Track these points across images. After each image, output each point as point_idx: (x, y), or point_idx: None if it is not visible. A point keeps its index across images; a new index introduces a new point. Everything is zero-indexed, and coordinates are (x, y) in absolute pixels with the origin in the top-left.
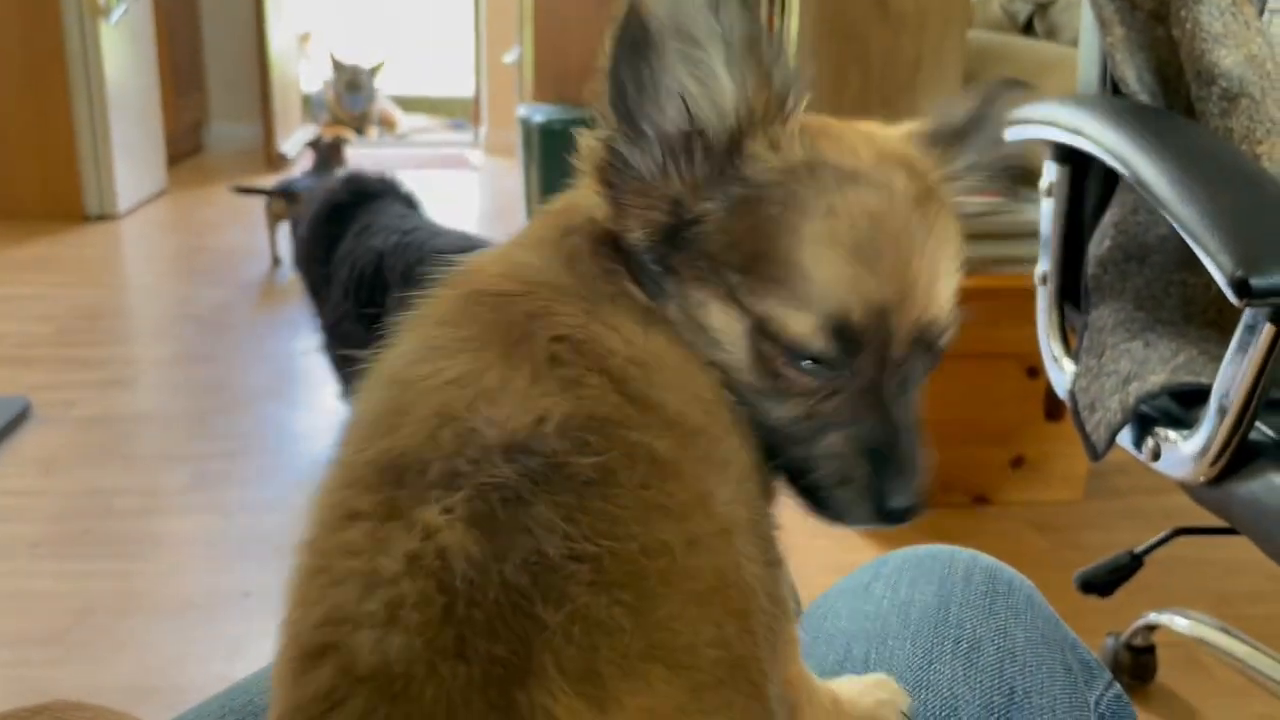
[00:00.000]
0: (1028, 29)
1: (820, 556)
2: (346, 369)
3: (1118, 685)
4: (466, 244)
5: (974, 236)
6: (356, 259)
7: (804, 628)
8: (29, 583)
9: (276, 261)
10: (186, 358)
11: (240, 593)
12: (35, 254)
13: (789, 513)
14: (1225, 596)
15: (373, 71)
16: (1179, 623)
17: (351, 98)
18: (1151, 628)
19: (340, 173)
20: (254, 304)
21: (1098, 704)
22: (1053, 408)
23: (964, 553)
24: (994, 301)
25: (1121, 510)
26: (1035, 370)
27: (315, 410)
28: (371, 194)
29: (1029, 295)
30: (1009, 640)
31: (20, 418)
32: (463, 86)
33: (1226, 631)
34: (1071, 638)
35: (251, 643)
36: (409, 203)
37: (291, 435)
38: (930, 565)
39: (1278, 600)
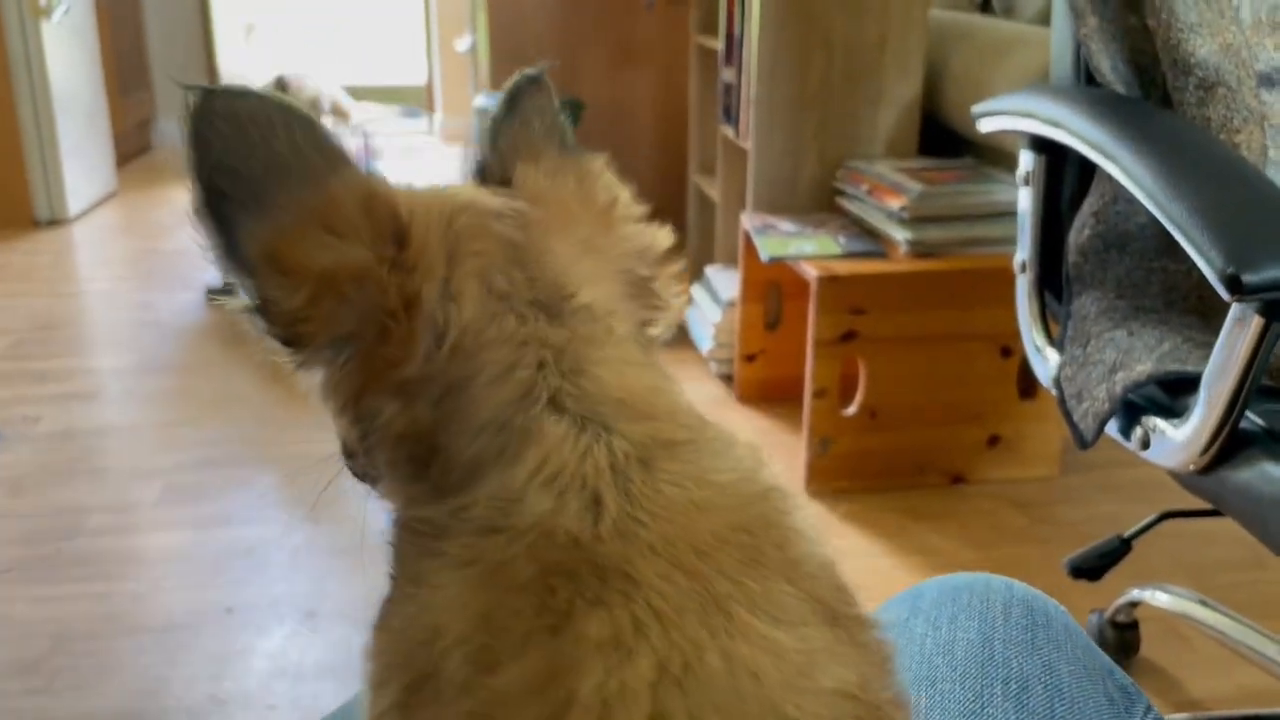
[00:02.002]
0: (985, 8)
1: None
2: None
3: (1155, 710)
4: None
5: (944, 218)
6: None
7: None
8: (2, 608)
9: None
10: (149, 367)
11: (222, 609)
12: None
13: None
14: (1202, 568)
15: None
16: (1160, 598)
17: None
18: (1134, 604)
19: None
20: (214, 308)
21: None
22: (1027, 386)
23: (998, 581)
24: (966, 282)
25: (1097, 485)
26: (1009, 350)
27: (285, 418)
28: None
29: (1000, 276)
30: (1055, 677)
31: None
32: (414, 75)
33: (1206, 604)
34: (1107, 663)
35: (237, 660)
36: None
37: (262, 443)
38: (968, 599)
39: (1251, 570)
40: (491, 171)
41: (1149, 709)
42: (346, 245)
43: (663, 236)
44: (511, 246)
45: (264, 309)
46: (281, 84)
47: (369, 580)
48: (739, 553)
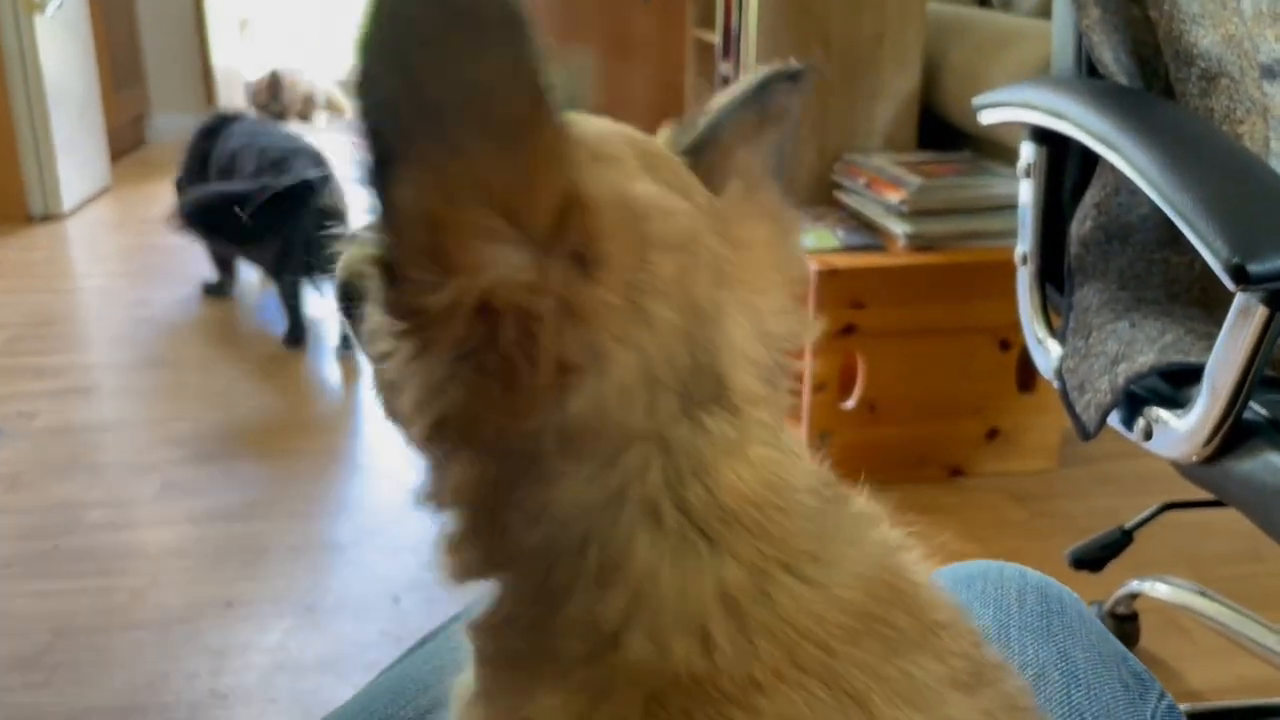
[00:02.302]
0: (983, 1)
1: None
2: (219, 253)
3: (1169, 696)
4: (289, 142)
5: (943, 211)
6: (219, 160)
7: None
8: (1, 604)
9: None
10: (145, 362)
11: (222, 603)
12: None
13: None
14: (1200, 561)
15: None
16: (1160, 589)
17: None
18: (1134, 595)
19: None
20: (209, 303)
21: (1153, 717)
22: (1026, 379)
23: (1011, 568)
24: (965, 276)
25: (1095, 477)
26: (1008, 343)
27: (282, 412)
28: (231, 119)
29: (999, 269)
30: (1070, 663)
31: None
32: None
33: (1206, 595)
34: (1121, 650)
35: (236, 655)
36: (259, 121)
37: (259, 437)
38: (982, 586)
39: (1249, 562)
40: (702, 158)
41: (1163, 695)
42: (524, 249)
43: (814, 328)
44: (693, 318)
45: (395, 279)
46: (276, 79)
47: (368, 575)
48: (871, 640)
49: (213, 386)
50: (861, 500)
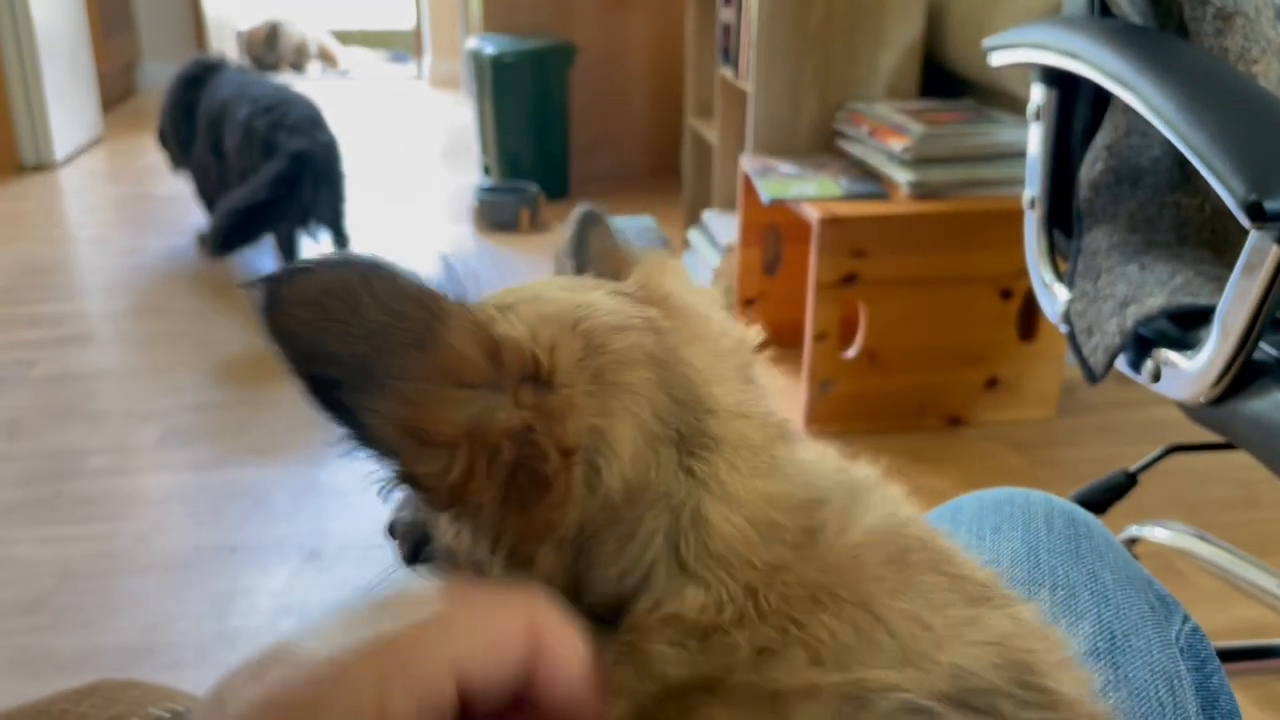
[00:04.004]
0: None
1: None
2: (211, 199)
3: (1193, 619)
4: (280, 93)
5: (946, 159)
6: (209, 110)
7: None
8: (5, 549)
9: None
10: (142, 310)
11: (226, 548)
12: None
13: None
14: (1198, 507)
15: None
16: (1159, 533)
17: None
18: (1133, 540)
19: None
20: (204, 252)
21: (1178, 638)
22: (1026, 328)
23: (1036, 494)
24: (967, 224)
25: (1094, 426)
26: (1009, 292)
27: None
28: (213, 66)
29: (1002, 218)
30: (1099, 584)
31: None
32: (403, 19)
33: (1204, 539)
34: (1146, 574)
35: (242, 598)
36: (245, 70)
37: (258, 385)
38: (1009, 510)
39: (1246, 509)
40: (592, 274)
41: (1186, 618)
42: (485, 394)
43: (753, 331)
44: (657, 367)
45: (418, 484)
46: (274, 28)
47: (370, 520)
48: (887, 567)
49: (210, 334)
50: (864, 486)
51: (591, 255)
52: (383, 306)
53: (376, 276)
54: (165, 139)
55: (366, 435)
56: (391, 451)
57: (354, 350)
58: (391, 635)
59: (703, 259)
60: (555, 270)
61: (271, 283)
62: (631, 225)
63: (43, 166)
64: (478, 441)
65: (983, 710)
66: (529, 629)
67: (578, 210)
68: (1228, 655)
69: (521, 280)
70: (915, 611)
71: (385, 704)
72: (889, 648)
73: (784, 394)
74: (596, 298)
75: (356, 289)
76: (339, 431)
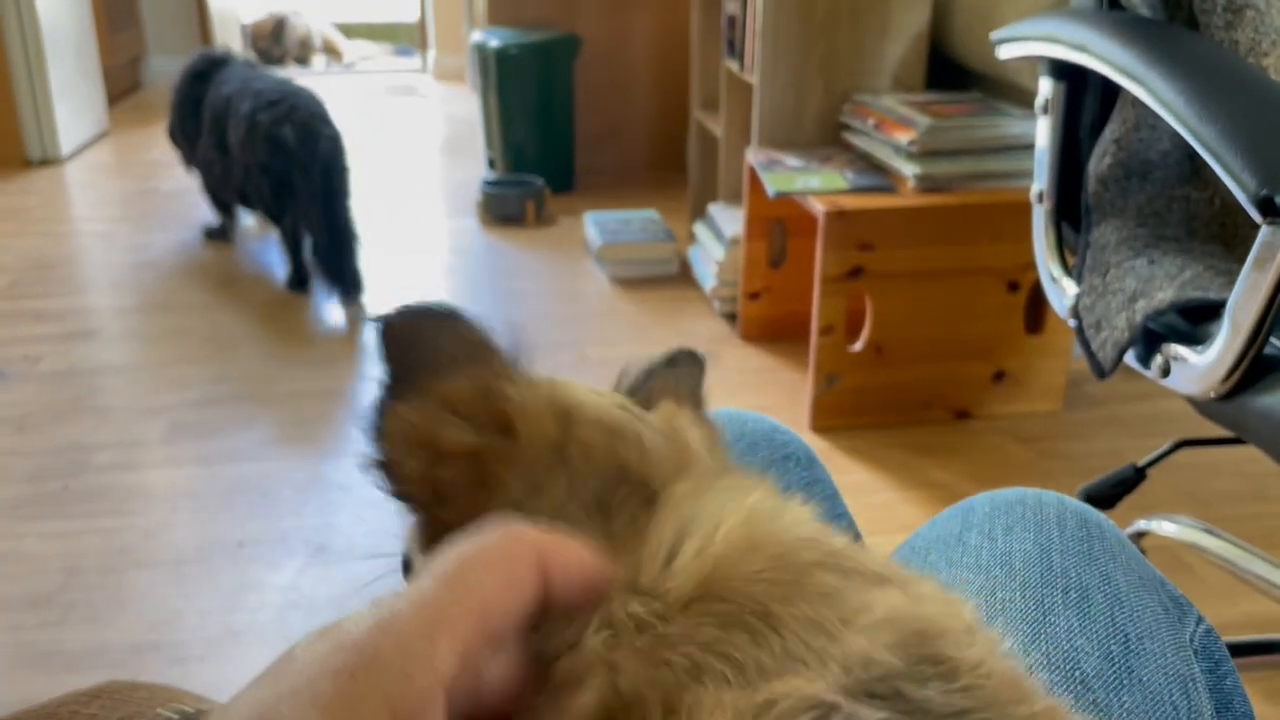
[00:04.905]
0: None
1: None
2: (217, 194)
3: (1206, 620)
4: (284, 87)
5: (953, 152)
6: (213, 105)
7: None
8: (12, 544)
9: None
10: (148, 306)
11: (234, 543)
12: None
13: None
14: (1205, 501)
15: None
16: (1167, 527)
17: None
18: (1141, 534)
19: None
20: (211, 248)
21: (1191, 640)
22: (1033, 321)
23: (1048, 495)
24: (974, 217)
25: (1100, 419)
26: (1016, 284)
27: (286, 355)
28: (219, 61)
29: (1008, 210)
30: (1113, 585)
31: None
32: (407, 11)
33: (1213, 533)
34: (1159, 575)
35: (250, 594)
36: (250, 65)
37: (264, 381)
38: (1020, 511)
39: (1254, 502)
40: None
41: (1200, 619)
42: (464, 426)
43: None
44: (618, 467)
45: (387, 468)
46: (281, 22)
47: (377, 515)
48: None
49: (216, 330)
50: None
51: (654, 386)
52: (448, 344)
53: (460, 325)
54: (175, 136)
55: (377, 424)
56: (384, 438)
57: (412, 366)
58: (421, 597)
59: (708, 252)
60: (617, 379)
61: (390, 320)
62: (636, 218)
63: (48, 161)
64: (442, 453)
65: (885, 696)
66: (528, 551)
67: (677, 348)
68: (1236, 649)
69: (526, 273)
70: (807, 613)
71: (434, 654)
72: (782, 652)
73: (788, 388)
74: (616, 406)
75: (443, 329)
76: (367, 420)
